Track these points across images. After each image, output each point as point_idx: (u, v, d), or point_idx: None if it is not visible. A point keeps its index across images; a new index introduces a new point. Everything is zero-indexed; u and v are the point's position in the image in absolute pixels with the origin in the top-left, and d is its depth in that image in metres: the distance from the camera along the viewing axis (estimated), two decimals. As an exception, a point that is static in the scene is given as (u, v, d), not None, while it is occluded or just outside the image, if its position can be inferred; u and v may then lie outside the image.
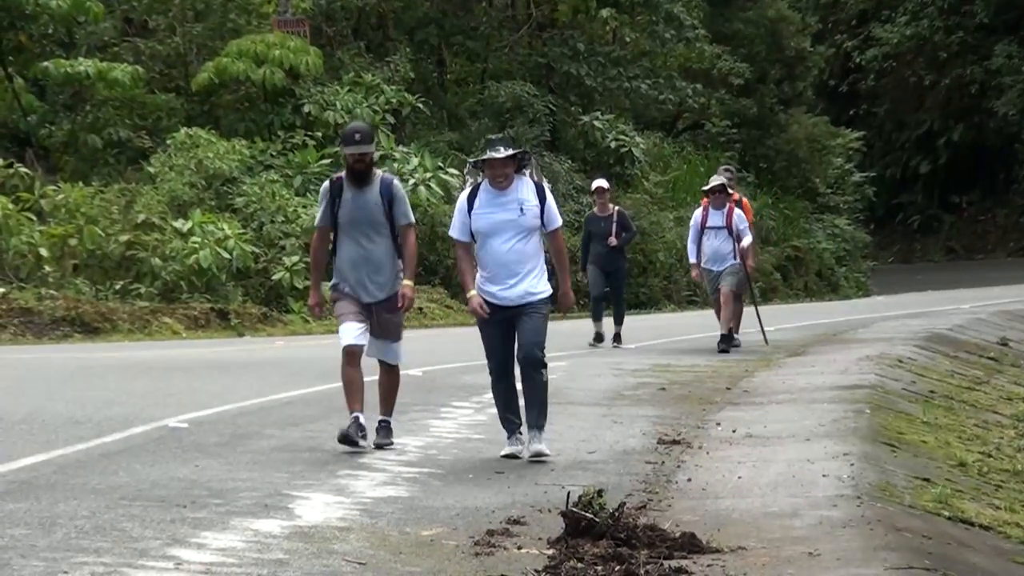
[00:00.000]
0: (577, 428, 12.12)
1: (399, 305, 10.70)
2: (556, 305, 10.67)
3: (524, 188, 10.40)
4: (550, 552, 7.51)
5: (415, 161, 30.71)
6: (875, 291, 44.07)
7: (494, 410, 13.18)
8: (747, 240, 19.36)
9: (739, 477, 9.77)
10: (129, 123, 31.71)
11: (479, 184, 10.44)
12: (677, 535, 7.67)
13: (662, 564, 7.22)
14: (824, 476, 9.56)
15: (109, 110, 31.62)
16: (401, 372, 11.17)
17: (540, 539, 7.82)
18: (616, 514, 7.74)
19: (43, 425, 11.53)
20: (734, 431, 11.91)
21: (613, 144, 36.72)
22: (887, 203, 58.94)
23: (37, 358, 18.39)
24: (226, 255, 25.91)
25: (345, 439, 10.50)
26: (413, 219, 10.90)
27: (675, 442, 11.44)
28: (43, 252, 25.08)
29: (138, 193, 27.54)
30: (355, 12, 36.91)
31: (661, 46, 41.18)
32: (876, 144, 60.09)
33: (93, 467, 9.67)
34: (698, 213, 19.77)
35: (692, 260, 19.87)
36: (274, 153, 30.63)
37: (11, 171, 27.26)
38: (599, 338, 20.28)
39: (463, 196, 10.53)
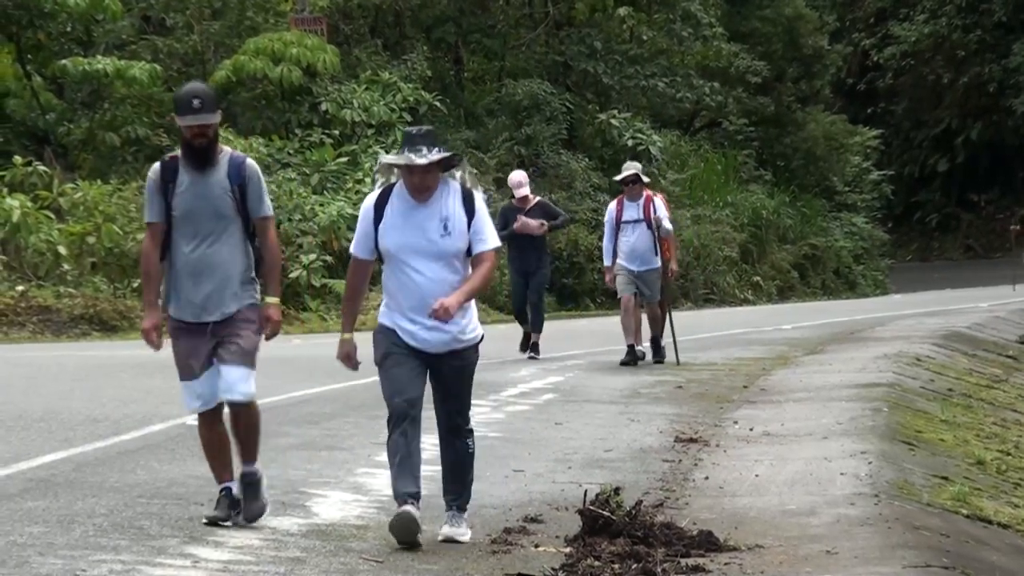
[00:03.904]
0: (594, 426, 12.12)
1: (259, 330, 8.00)
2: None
3: (450, 198, 7.74)
4: (567, 550, 7.50)
5: (432, 159, 30.74)
6: (893, 289, 44.04)
7: (511, 408, 13.24)
8: (667, 225, 16.95)
9: (756, 475, 9.76)
10: (147, 121, 31.74)
11: (392, 186, 7.80)
12: (694, 533, 7.66)
13: (679, 562, 7.21)
14: (842, 474, 9.54)
15: (127, 108, 31.68)
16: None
17: (557, 537, 7.82)
18: (633, 512, 7.73)
19: (61, 423, 11.54)
20: (751, 429, 11.90)
21: (630, 142, 36.69)
22: (905, 201, 58.89)
23: (55, 356, 18.42)
24: (243, 253, 25.93)
25: (215, 523, 7.90)
26: (271, 211, 8.14)
27: (692, 440, 11.43)
28: (61, 250, 25.11)
29: (156, 191, 27.58)
30: (372, 10, 36.94)
31: (678, 44, 41.18)
32: (894, 142, 60.02)
33: (111, 465, 9.68)
34: (612, 207, 17.29)
35: (607, 263, 17.21)
36: (291, 151, 30.69)
37: (30, 169, 27.33)
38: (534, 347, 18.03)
39: (369, 200, 7.83)
